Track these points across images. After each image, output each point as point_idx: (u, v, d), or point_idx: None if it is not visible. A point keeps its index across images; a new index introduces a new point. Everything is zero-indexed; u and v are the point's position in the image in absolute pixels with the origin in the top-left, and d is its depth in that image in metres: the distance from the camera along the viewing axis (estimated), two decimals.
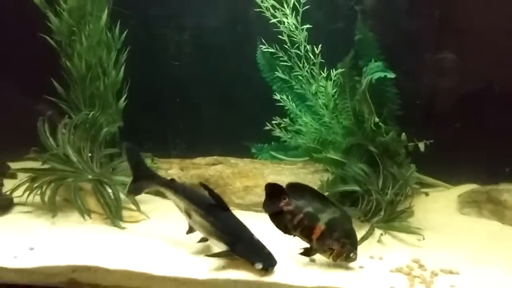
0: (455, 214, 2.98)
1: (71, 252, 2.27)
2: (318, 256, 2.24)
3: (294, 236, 2.22)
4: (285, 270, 2.16)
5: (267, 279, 2.10)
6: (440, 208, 3.02)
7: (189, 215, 2.31)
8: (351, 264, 2.22)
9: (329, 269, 2.20)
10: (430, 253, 2.38)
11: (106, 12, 2.75)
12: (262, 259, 2.13)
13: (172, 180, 2.39)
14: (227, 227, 2.22)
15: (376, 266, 2.25)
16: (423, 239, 2.49)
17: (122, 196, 2.66)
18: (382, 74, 2.47)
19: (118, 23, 2.88)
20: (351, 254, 2.16)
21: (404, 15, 3.11)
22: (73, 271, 2.18)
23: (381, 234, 2.51)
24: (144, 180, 2.41)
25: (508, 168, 3.13)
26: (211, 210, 2.24)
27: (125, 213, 2.66)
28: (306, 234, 2.18)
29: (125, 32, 2.91)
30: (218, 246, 2.24)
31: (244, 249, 2.17)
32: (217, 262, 2.20)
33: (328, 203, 2.18)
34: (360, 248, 2.24)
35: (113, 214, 2.59)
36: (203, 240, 2.35)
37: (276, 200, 2.21)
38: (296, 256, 2.24)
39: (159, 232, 2.52)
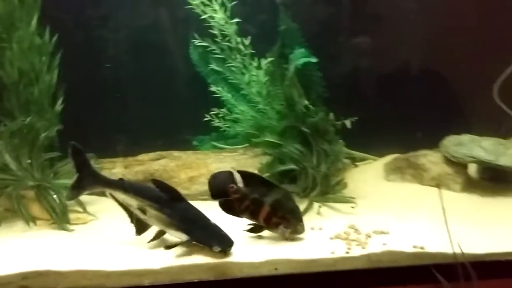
0: (382, 181, 3.15)
1: (19, 260, 2.16)
2: (264, 233, 2.31)
3: (242, 217, 2.29)
4: (235, 250, 2.19)
5: (218, 260, 2.13)
6: (369, 178, 3.18)
7: (143, 211, 2.26)
8: (296, 236, 2.30)
9: (275, 244, 2.26)
10: (363, 218, 2.50)
11: (35, 17, 2.62)
12: (220, 241, 2.16)
13: (121, 179, 2.32)
14: (184, 216, 2.21)
15: (317, 235, 2.34)
16: (357, 206, 2.63)
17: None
18: (306, 60, 2.56)
19: (48, 27, 2.75)
20: (298, 227, 2.25)
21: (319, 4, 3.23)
22: (23, 278, 2.06)
23: (319, 207, 2.62)
24: (88, 180, 2.28)
25: (419, 133, 3.35)
26: (165, 202, 2.22)
27: (72, 215, 2.57)
28: (254, 216, 2.27)
29: (56, 36, 2.78)
30: (177, 237, 2.23)
31: (202, 235, 2.18)
32: (173, 251, 2.19)
33: (272, 186, 2.27)
34: None
35: (60, 218, 2.49)
36: (157, 237, 2.31)
37: (223, 189, 2.26)
38: (244, 236, 2.29)
39: (109, 231, 2.46)
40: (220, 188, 2.28)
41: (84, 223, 2.58)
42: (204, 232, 2.19)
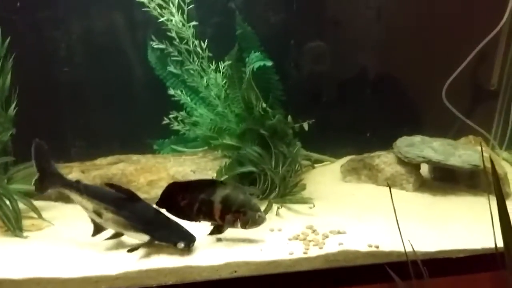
0: (339, 183, 3.19)
1: None
2: (222, 235, 2.30)
3: (200, 221, 2.28)
4: (194, 253, 2.18)
5: (177, 264, 2.10)
6: (326, 180, 3.23)
7: (99, 215, 2.23)
8: (254, 238, 2.30)
9: (234, 245, 2.26)
10: (321, 219, 2.53)
11: None
12: (183, 238, 2.15)
13: (77, 181, 2.28)
14: (143, 217, 2.19)
15: (276, 237, 2.36)
16: (314, 207, 2.66)
17: (21, 205, 2.48)
18: (261, 63, 2.59)
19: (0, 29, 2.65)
20: (256, 217, 2.23)
21: (273, 9, 3.27)
22: None
23: (278, 208, 2.63)
24: (50, 179, 2.27)
25: (368, 134, 3.46)
26: (122, 204, 2.19)
27: (26, 222, 2.48)
28: (209, 217, 2.26)
29: (8, 39, 2.68)
30: (137, 238, 2.21)
31: (164, 233, 2.17)
32: (130, 255, 2.15)
33: (217, 184, 2.26)
34: None
35: (13, 225, 2.39)
36: (114, 236, 2.28)
37: (171, 198, 2.26)
38: (203, 240, 2.27)
39: (65, 237, 2.39)
40: (169, 199, 2.27)
41: (39, 229, 2.49)
42: (165, 230, 2.18)
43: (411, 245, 2.06)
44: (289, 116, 2.90)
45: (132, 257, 2.15)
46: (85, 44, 3.19)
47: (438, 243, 2.29)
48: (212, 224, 2.30)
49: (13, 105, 2.70)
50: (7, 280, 2.01)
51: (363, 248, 2.23)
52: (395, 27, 3.38)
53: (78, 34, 3.18)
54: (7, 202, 2.45)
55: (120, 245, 2.27)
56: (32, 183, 2.27)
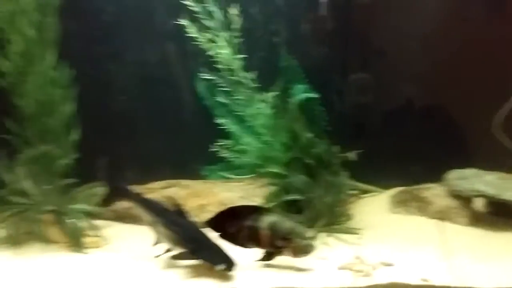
0: (387, 214, 3.15)
1: (38, 280, 2.22)
2: (270, 262, 2.33)
3: (249, 248, 2.32)
4: (242, 278, 2.21)
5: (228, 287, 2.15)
6: (374, 210, 3.19)
7: (155, 227, 2.37)
8: (301, 265, 2.30)
9: (282, 272, 2.27)
10: (369, 249, 2.51)
11: (52, 51, 2.75)
12: (223, 261, 2.19)
13: (138, 194, 2.48)
14: (190, 235, 2.29)
15: (323, 265, 2.35)
16: (361, 238, 2.64)
17: (81, 224, 2.64)
18: (306, 95, 2.65)
19: (63, 61, 2.87)
20: (305, 245, 2.23)
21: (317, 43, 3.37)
22: None
23: (325, 237, 2.63)
24: (116, 193, 2.51)
25: (416, 166, 3.37)
26: (174, 221, 2.33)
27: (87, 239, 2.63)
28: (257, 243, 2.29)
29: (73, 70, 2.90)
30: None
31: (207, 254, 2.23)
32: (181, 276, 2.23)
33: (264, 211, 2.30)
34: None
35: (74, 242, 2.55)
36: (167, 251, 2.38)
37: (221, 223, 2.35)
38: (251, 265, 2.31)
39: (122, 255, 2.51)
40: (218, 224, 2.36)
41: (97, 247, 2.63)
42: (209, 251, 2.24)
43: (464, 281, 1.99)
44: (336, 146, 2.91)
45: (181, 279, 2.21)
46: (139, 75, 3.41)
47: (492, 279, 2.19)
48: (262, 252, 2.32)
49: (75, 131, 2.89)
50: None
51: (414, 281, 2.18)
52: (444, 57, 3.37)
53: (133, 66, 3.41)
54: (70, 220, 2.60)
55: (172, 265, 2.34)
56: (100, 198, 2.54)
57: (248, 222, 2.28)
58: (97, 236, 2.67)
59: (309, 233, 2.36)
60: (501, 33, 3.33)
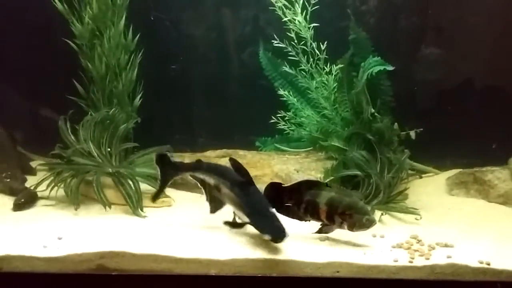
0: (445, 195, 3.08)
1: (97, 240, 2.30)
2: (327, 235, 2.34)
3: (308, 221, 2.35)
4: (299, 248, 2.23)
5: (282, 257, 2.17)
6: (431, 191, 3.12)
7: (218, 189, 2.41)
8: (357, 241, 2.30)
9: (337, 246, 2.28)
10: (426, 230, 2.47)
11: (124, 17, 2.81)
12: (273, 231, 2.20)
13: (198, 161, 2.49)
14: (249, 199, 2.32)
15: (379, 243, 2.33)
16: (420, 218, 2.59)
17: (142, 186, 2.72)
18: (381, 67, 2.57)
19: (131, 27, 2.94)
20: (364, 220, 2.23)
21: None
22: (101, 257, 2.20)
23: (382, 214, 2.61)
24: (171, 170, 2.49)
25: (494, 145, 3.26)
26: (237, 183, 2.35)
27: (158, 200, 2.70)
28: (315, 217, 2.31)
29: (138, 36, 2.96)
30: (239, 216, 2.35)
31: (258, 220, 2.26)
32: (237, 241, 2.29)
33: (322, 187, 2.30)
34: None
35: (134, 204, 2.64)
36: (233, 226, 2.40)
37: (278, 196, 2.36)
38: (307, 237, 2.33)
39: (181, 219, 2.59)
40: (276, 197, 2.37)
41: (169, 206, 2.73)
42: (261, 218, 2.25)
43: None
44: (396, 124, 2.85)
45: (241, 246, 2.26)
46: (203, 41, 3.42)
47: None
48: (321, 224, 2.34)
49: (139, 97, 2.97)
50: (129, 254, 2.20)
51: (473, 263, 2.13)
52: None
53: (199, 34, 3.42)
54: (130, 183, 2.70)
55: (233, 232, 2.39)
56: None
57: (307, 197, 2.30)
58: (167, 196, 2.76)
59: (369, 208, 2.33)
60: None
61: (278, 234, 2.20)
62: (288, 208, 2.35)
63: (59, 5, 2.77)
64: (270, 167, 2.99)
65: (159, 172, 2.45)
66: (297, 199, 2.32)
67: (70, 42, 2.77)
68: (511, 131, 3.27)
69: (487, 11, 3.20)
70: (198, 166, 2.48)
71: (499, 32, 3.22)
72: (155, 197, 2.55)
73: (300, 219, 2.35)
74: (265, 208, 2.30)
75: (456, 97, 3.34)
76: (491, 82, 3.34)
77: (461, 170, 3.12)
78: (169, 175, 2.48)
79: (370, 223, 2.24)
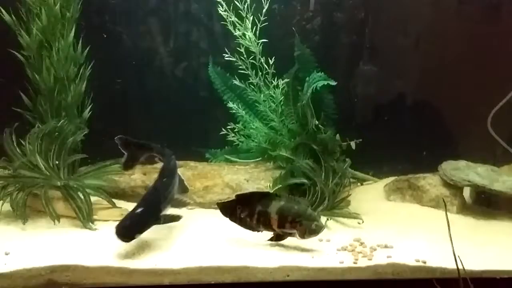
0: (383, 201, 3.26)
1: (47, 254, 2.23)
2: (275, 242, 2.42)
3: (261, 231, 2.41)
4: (250, 255, 2.29)
5: (234, 263, 2.21)
6: (370, 197, 3.29)
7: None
8: (305, 246, 2.39)
9: (287, 251, 2.36)
10: (368, 233, 2.60)
11: (73, 29, 2.76)
12: (116, 227, 2.24)
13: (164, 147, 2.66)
14: (147, 193, 2.49)
15: (325, 246, 2.43)
16: (362, 222, 2.73)
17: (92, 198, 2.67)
18: (325, 82, 2.71)
19: (81, 39, 2.89)
20: (313, 226, 2.31)
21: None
22: (52, 271, 2.13)
23: (327, 220, 2.72)
24: (137, 152, 2.66)
25: (424, 152, 3.51)
26: (161, 178, 2.52)
27: (103, 212, 2.69)
28: (268, 227, 2.38)
29: (88, 48, 2.91)
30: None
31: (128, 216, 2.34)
32: (189, 249, 2.32)
33: (272, 197, 2.38)
34: None
35: (85, 217, 2.57)
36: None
37: (233, 209, 2.42)
38: (259, 244, 2.40)
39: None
40: (231, 210, 2.42)
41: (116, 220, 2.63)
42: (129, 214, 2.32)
43: (461, 262, 2.10)
44: (337, 134, 3.00)
45: (193, 254, 2.28)
46: (152, 53, 3.41)
47: (483, 263, 2.31)
48: (273, 234, 2.41)
49: (88, 108, 2.92)
50: (81, 267, 2.15)
51: (411, 262, 2.29)
52: (443, 51, 3.46)
53: (149, 46, 3.41)
54: (81, 195, 2.63)
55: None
56: (122, 162, 2.67)
57: (259, 207, 2.36)
58: (117, 207, 2.72)
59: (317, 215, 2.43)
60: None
61: (115, 231, 2.22)
62: (241, 219, 2.40)
63: (6, 17, 2.68)
64: (221, 177, 3.02)
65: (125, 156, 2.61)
66: (249, 210, 2.38)
67: (16, 53, 2.67)
68: (440, 140, 3.57)
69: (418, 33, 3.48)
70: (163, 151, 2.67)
71: (429, 51, 3.50)
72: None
73: (253, 229, 2.41)
74: (137, 207, 2.34)
75: (392, 109, 3.58)
76: (422, 96, 3.62)
77: (397, 177, 3.32)
78: (137, 155, 2.66)
79: (319, 229, 2.33)
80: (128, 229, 2.23)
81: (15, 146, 2.64)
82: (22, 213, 2.57)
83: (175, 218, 2.43)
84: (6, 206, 2.64)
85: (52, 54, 2.64)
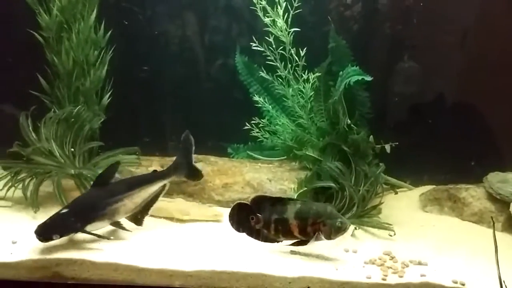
0: (418, 211, 3.07)
1: (55, 246, 2.18)
2: (296, 248, 2.28)
3: (282, 241, 2.27)
4: (268, 261, 2.18)
5: (251, 270, 2.10)
6: (404, 206, 3.10)
7: None
8: (329, 255, 2.26)
9: (308, 260, 2.23)
10: (399, 246, 2.44)
11: (95, 11, 2.70)
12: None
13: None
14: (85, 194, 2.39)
15: (351, 258, 2.30)
16: (394, 234, 2.55)
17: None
18: (359, 77, 2.54)
19: (103, 22, 2.82)
20: (337, 224, 2.17)
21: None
22: (57, 264, 2.10)
23: (355, 228, 2.56)
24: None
25: (473, 162, 3.27)
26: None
27: None
28: (289, 235, 2.23)
29: (110, 32, 2.85)
30: None
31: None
32: (203, 252, 2.22)
33: (287, 201, 2.23)
34: (335, 242, 2.28)
35: None
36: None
37: (245, 220, 2.26)
38: (277, 250, 2.28)
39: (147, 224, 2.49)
40: (242, 223, 2.27)
41: None
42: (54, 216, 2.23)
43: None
44: (371, 136, 2.83)
45: (208, 257, 2.19)
46: (178, 41, 3.31)
47: None
48: (292, 240, 2.27)
49: (107, 95, 2.85)
50: (87, 262, 2.11)
51: (447, 283, 2.12)
52: (493, 57, 3.22)
53: (172, 34, 3.30)
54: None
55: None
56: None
57: (274, 215, 2.22)
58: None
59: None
60: None
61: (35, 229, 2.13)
62: (258, 231, 2.26)
63: None
64: (241, 175, 2.91)
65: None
66: (264, 221, 2.23)
67: (36, 34, 2.63)
68: (487, 148, 3.32)
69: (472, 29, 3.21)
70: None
71: (483, 50, 3.24)
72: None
73: (273, 241, 2.27)
74: (65, 207, 2.25)
75: (436, 111, 3.35)
76: (471, 99, 3.36)
77: (435, 186, 3.12)
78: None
79: (345, 226, 2.19)
80: (46, 229, 2.14)
81: (31, 130, 2.61)
82: (34, 200, 2.54)
83: (102, 236, 2.27)
84: (18, 192, 2.61)
85: (72, 36, 2.58)
